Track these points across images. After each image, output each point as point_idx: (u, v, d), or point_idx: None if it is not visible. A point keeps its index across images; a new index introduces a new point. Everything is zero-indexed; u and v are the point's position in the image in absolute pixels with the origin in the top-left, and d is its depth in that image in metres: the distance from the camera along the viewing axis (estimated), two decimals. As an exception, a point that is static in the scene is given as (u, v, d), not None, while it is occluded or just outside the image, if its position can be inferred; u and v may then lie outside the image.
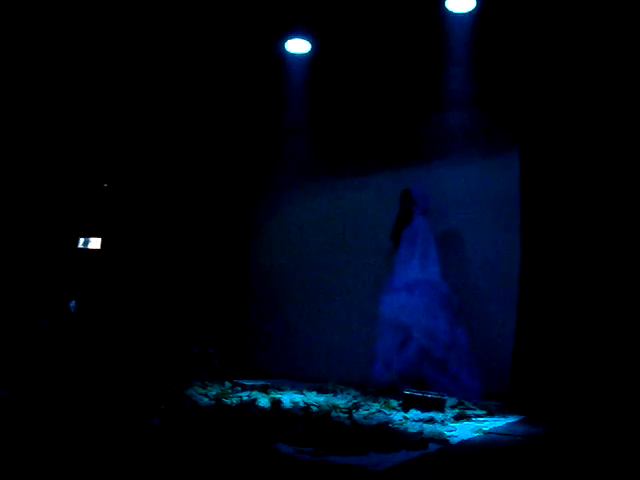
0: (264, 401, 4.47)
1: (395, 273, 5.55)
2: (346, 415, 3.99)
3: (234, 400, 4.50)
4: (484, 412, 4.30)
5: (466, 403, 4.50)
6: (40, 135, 6.21)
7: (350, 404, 4.44)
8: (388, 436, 3.29)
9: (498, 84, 5.47)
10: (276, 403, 4.23)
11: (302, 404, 4.30)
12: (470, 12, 5.12)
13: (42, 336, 5.50)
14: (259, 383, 5.37)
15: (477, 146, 5.73)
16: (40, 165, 6.26)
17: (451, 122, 5.84)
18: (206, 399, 4.49)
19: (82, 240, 7.00)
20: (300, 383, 5.65)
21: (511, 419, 4.21)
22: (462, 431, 3.69)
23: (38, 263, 6.23)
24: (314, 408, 4.20)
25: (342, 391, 5.19)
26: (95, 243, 7.00)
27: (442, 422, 3.88)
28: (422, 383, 4.97)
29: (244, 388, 5.14)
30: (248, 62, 6.05)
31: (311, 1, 5.23)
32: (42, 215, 6.32)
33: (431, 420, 3.89)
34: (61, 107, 6.24)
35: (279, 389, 5.26)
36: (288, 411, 4.02)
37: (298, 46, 5.83)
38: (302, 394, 5.03)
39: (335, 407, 4.27)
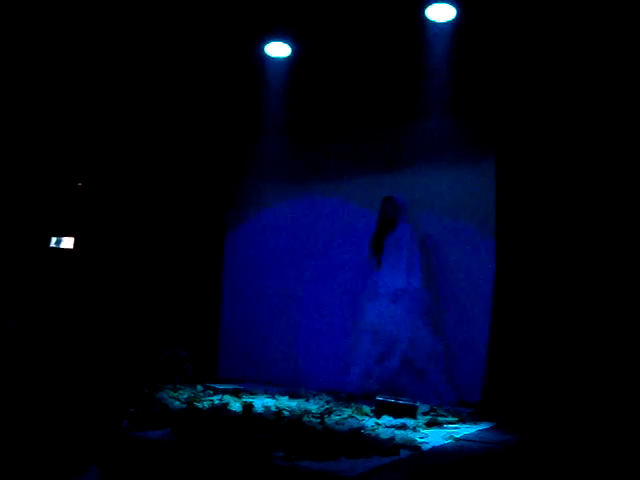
0: (236, 405, 4.43)
1: (378, 280, 5.53)
2: (318, 420, 3.97)
3: (205, 404, 4.46)
4: (456, 419, 4.31)
5: (438, 410, 4.50)
6: (13, 132, 6.12)
7: (322, 409, 4.42)
8: (360, 442, 3.28)
9: (475, 93, 5.52)
10: (248, 407, 4.19)
11: (274, 409, 4.27)
12: (450, 21, 5.17)
13: (9, 336, 5.39)
14: (231, 387, 5.32)
15: (454, 153, 5.75)
16: (13, 162, 6.17)
17: (428, 129, 5.85)
18: (177, 402, 4.44)
19: (54, 239, 6.90)
20: (272, 388, 5.61)
21: (482, 426, 4.23)
22: (434, 438, 3.70)
23: (8, 262, 6.13)
24: (286, 413, 4.17)
25: (314, 396, 5.16)
26: (68, 243, 6.90)
27: (414, 429, 3.88)
28: (400, 391, 4.96)
29: (216, 392, 5.09)
30: (227, 63, 6.04)
31: (293, 7, 5.24)
32: (13, 213, 6.22)
33: (403, 426, 3.89)
34: (35, 105, 6.16)
35: (251, 393, 5.22)
36: (260, 415, 3.99)
37: (278, 50, 5.83)
38: (274, 399, 5.00)
39: (307, 412, 4.25)
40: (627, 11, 4.50)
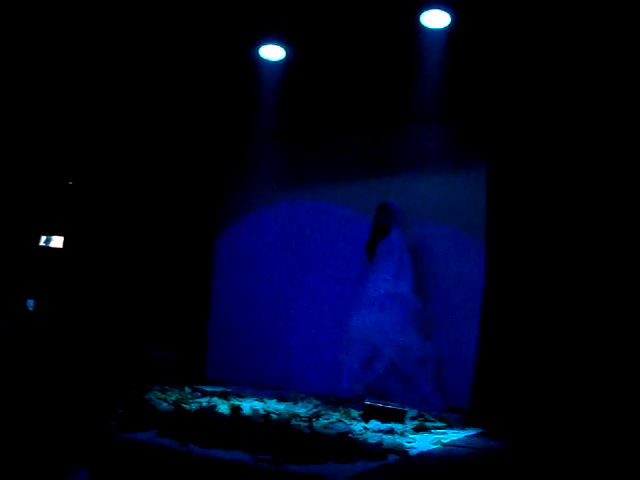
0: (224, 407, 4.41)
1: (369, 285, 5.55)
2: (306, 424, 3.96)
3: (193, 406, 4.44)
4: (444, 424, 4.32)
5: (426, 415, 4.50)
6: (3, 131, 6.08)
7: (310, 413, 4.41)
8: (347, 446, 3.27)
9: (468, 100, 5.55)
10: (236, 410, 4.18)
11: (262, 412, 4.26)
12: (444, 28, 5.19)
13: (-3, 334, 5.36)
14: (219, 389, 5.31)
15: (446, 160, 5.78)
16: (3, 160, 6.14)
17: (421, 135, 5.88)
18: (165, 404, 4.41)
19: (44, 238, 6.87)
20: (261, 391, 5.61)
21: (470, 432, 4.23)
22: (421, 443, 3.70)
23: (-3, 260, 6.09)
24: (274, 416, 4.16)
25: (303, 400, 5.15)
26: (57, 242, 6.87)
27: (402, 433, 3.88)
28: (388, 396, 4.96)
29: (204, 394, 5.07)
30: (222, 65, 6.03)
31: (289, 10, 5.25)
32: (3, 211, 6.18)
33: (391, 431, 3.89)
34: (26, 104, 6.13)
35: (239, 396, 5.21)
36: (248, 418, 3.97)
37: (273, 52, 5.83)
38: (262, 402, 4.99)
39: (295, 415, 4.24)
40: (616, 23, 4.54)
